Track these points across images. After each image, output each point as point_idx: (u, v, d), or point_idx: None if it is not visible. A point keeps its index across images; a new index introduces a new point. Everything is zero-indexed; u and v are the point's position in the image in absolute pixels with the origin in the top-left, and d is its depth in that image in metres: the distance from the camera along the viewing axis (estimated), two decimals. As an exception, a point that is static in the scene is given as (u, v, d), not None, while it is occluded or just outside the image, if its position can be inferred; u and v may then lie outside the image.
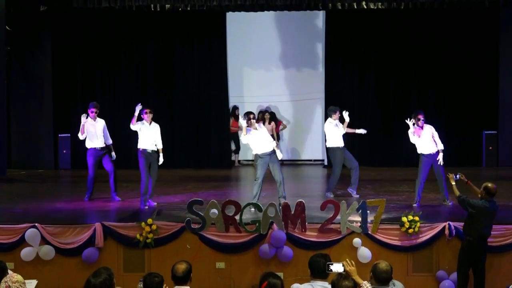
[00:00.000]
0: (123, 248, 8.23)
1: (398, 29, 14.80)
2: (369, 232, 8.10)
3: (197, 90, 15.13)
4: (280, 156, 9.37)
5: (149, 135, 9.62)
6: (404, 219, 8.08)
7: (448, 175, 8.19)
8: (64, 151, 14.68)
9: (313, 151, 15.77)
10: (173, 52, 15.14)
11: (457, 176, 8.07)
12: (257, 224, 8.11)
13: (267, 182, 9.94)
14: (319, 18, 15.32)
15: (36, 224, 8.18)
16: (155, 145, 9.69)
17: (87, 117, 10.19)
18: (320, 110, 15.36)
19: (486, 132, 14.60)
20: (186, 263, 5.34)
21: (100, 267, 5.07)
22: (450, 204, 9.49)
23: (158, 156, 9.71)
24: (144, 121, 9.62)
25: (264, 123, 14.01)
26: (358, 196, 10.16)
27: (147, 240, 8.12)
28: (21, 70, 14.74)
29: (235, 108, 15.22)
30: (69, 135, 14.53)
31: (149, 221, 8.14)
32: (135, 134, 9.70)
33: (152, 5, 13.41)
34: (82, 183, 11.34)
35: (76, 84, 15.09)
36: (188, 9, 13.70)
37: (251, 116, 9.27)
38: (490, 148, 14.56)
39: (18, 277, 5.08)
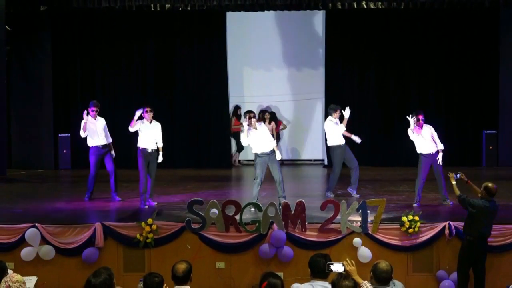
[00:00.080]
0: (123, 248, 8.23)
1: (398, 29, 14.80)
2: (369, 232, 8.10)
3: (197, 90, 15.13)
4: (279, 156, 9.36)
5: (149, 134, 9.62)
6: (404, 219, 8.08)
7: (448, 174, 8.20)
8: (64, 151, 14.69)
9: (313, 151, 15.77)
10: (173, 52, 15.14)
11: (458, 175, 8.09)
12: (257, 224, 8.12)
13: (267, 182, 9.94)
14: (319, 18, 15.32)
15: (36, 224, 8.18)
16: (156, 143, 9.70)
17: (87, 115, 10.18)
18: (320, 110, 15.36)
19: (486, 132, 14.60)
20: (186, 263, 5.34)
21: (100, 267, 5.08)
22: (450, 204, 9.49)
23: (158, 155, 9.72)
24: (144, 120, 9.63)
25: (264, 123, 13.99)
26: (358, 196, 10.16)
27: (147, 240, 8.12)
28: (21, 70, 14.74)
29: (237, 107, 15.23)
30: (69, 135, 14.54)
31: (149, 221, 8.14)
32: (135, 133, 9.70)
33: (152, 5, 13.41)
34: (82, 183, 11.35)
35: (76, 84, 15.09)
36: (188, 9, 13.69)
37: (252, 115, 9.28)
38: (490, 148, 14.56)
39: (18, 277, 5.08)
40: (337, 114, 10.37)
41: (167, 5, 13.53)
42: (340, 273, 5.09)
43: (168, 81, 15.13)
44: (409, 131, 9.61)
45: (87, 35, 14.96)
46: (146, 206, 9.50)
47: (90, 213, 9.51)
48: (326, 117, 11.11)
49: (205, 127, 15.22)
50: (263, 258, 8.09)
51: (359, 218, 8.14)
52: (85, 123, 10.07)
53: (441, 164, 9.55)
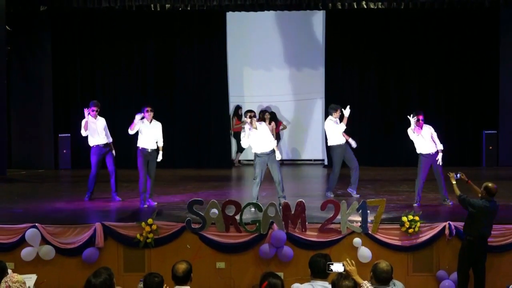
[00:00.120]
0: (123, 248, 8.24)
1: (398, 29, 14.80)
2: (369, 232, 8.10)
3: (197, 90, 15.13)
4: (279, 156, 9.35)
5: (149, 134, 9.63)
6: (404, 219, 8.09)
7: (448, 174, 8.20)
8: (64, 151, 14.68)
9: (313, 151, 15.77)
10: (173, 52, 15.14)
11: (458, 175, 8.09)
12: (257, 224, 8.12)
13: (267, 182, 9.94)
14: (319, 18, 15.31)
15: (36, 224, 8.19)
16: (156, 143, 9.71)
17: (88, 114, 10.17)
18: (320, 110, 15.35)
19: (486, 132, 14.59)
20: (186, 263, 5.34)
21: (100, 267, 5.08)
22: (450, 203, 9.49)
23: (157, 154, 9.72)
24: (144, 119, 9.64)
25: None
26: (358, 196, 10.16)
27: (147, 240, 8.12)
28: (21, 70, 14.74)
29: (239, 107, 15.22)
30: (69, 135, 14.54)
31: (149, 221, 8.15)
32: (135, 133, 9.69)
33: (152, 5, 13.40)
34: (82, 183, 11.35)
35: (76, 84, 15.09)
36: (188, 9, 13.68)
37: (252, 114, 9.26)
38: (490, 148, 14.56)
39: (18, 277, 5.09)
40: (338, 113, 10.37)
41: (167, 5, 13.52)
42: (340, 273, 5.09)
43: (168, 81, 15.13)
44: (409, 130, 9.61)
45: (87, 35, 14.96)
46: (146, 206, 9.52)
47: (90, 213, 9.51)
48: (326, 117, 11.11)
49: (205, 127, 15.22)
50: (263, 258, 8.09)
51: (359, 218, 8.14)
52: (86, 122, 10.05)
53: (440, 164, 9.55)
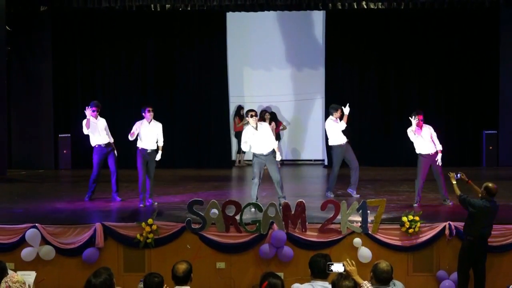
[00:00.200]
0: (124, 248, 8.23)
1: (398, 29, 14.80)
2: (370, 232, 8.10)
3: (197, 90, 15.13)
4: (279, 158, 9.34)
5: (148, 134, 9.64)
6: (404, 219, 8.09)
7: (449, 174, 8.21)
8: (64, 151, 14.68)
9: (313, 151, 15.76)
10: (173, 52, 15.13)
11: (458, 175, 8.10)
12: (257, 224, 8.12)
13: (267, 182, 9.94)
14: (319, 18, 15.31)
15: (36, 224, 8.19)
16: (156, 143, 9.71)
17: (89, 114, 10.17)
18: (320, 110, 15.35)
19: (486, 132, 14.60)
20: (186, 263, 5.34)
21: (100, 267, 5.08)
22: (450, 203, 9.49)
23: (157, 154, 9.73)
24: (143, 120, 9.65)
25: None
26: (358, 196, 10.16)
27: (147, 240, 8.12)
28: (21, 70, 14.73)
29: (240, 107, 15.22)
30: (69, 135, 14.54)
31: (150, 221, 8.15)
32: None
33: (152, 5, 13.41)
34: (82, 183, 11.35)
35: (76, 84, 15.09)
36: (188, 9, 13.70)
37: (253, 113, 9.25)
38: (490, 148, 14.56)
39: (18, 277, 5.10)
40: (338, 113, 10.37)
41: (167, 5, 13.54)
42: (340, 273, 5.09)
43: (168, 81, 15.13)
44: (409, 131, 9.61)
45: (87, 35, 14.96)
46: (142, 205, 9.56)
47: (90, 213, 9.50)
48: (326, 117, 11.11)
49: (205, 127, 15.22)
50: (263, 258, 8.09)
51: (359, 218, 8.14)
52: (88, 120, 10.01)
53: (440, 164, 9.55)
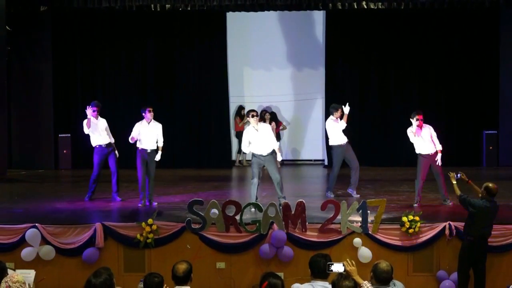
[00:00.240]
0: (124, 248, 8.23)
1: (398, 29, 14.80)
2: (370, 232, 8.10)
3: (197, 90, 15.14)
4: (279, 158, 9.34)
5: (148, 135, 9.65)
6: (404, 219, 8.09)
7: (449, 174, 8.21)
8: (64, 151, 14.69)
9: (313, 151, 15.76)
10: (173, 52, 15.13)
11: (458, 175, 8.10)
12: (257, 224, 8.11)
13: (267, 182, 9.94)
14: (319, 18, 15.31)
15: (36, 224, 8.18)
16: (156, 143, 9.72)
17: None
18: (320, 110, 15.35)
19: (486, 132, 14.60)
20: (186, 263, 5.34)
21: (100, 267, 5.08)
22: (450, 204, 9.49)
23: (156, 154, 9.73)
24: (142, 120, 9.65)
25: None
26: (358, 196, 10.16)
27: (147, 240, 8.12)
28: (21, 70, 14.74)
29: (241, 108, 15.21)
30: (69, 135, 14.55)
31: (150, 221, 8.15)
32: (135, 133, 9.69)
33: (152, 5, 13.40)
34: (82, 183, 11.35)
35: (76, 84, 15.09)
36: (188, 9, 13.69)
37: (254, 113, 9.25)
38: (490, 148, 14.57)
39: (18, 277, 5.09)
40: (339, 113, 10.37)
41: (167, 5, 13.53)
42: (340, 273, 5.09)
43: (168, 81, 15.13)
44: (409, 131, 9.60)
45: (87, 35, 14.96)
46: (141, 204, 9.57)
47: (90, 213, 9.50)
48: (326, 117, 11.11)
49: (205, 127, 15.22)
50: (264, 258, 8.09)
51: (360, 218, 8.14)
52: (89, 119, 10.01)
53: (440, 164, 9.55)
